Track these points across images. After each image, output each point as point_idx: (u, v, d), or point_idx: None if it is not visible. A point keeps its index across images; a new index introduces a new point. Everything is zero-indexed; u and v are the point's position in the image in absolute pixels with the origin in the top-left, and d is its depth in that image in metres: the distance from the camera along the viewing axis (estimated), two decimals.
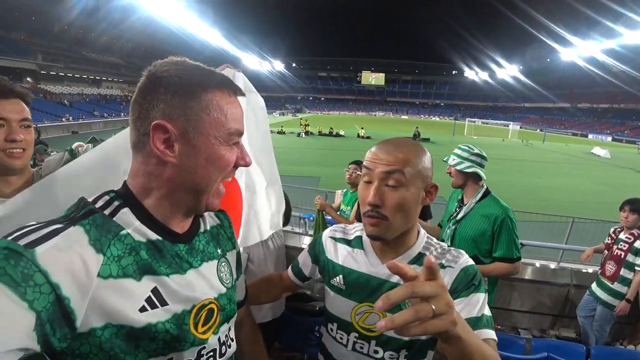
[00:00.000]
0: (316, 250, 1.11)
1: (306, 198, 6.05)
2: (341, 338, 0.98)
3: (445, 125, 53.11)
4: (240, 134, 0.71)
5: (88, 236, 0.57)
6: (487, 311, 0.88)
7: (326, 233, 1.11)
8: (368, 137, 26.63)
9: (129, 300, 0.59)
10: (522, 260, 3.81)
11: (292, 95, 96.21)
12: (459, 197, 2.27)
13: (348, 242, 1.04)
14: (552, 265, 3.73)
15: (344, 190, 3.59)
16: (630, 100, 56.34)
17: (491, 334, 0.86)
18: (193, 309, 0.68)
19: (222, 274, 0.78)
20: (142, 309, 0.60)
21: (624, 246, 2.85)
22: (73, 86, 45.44)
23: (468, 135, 36.57)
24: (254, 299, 1.11)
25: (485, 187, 2.15)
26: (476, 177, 2.13)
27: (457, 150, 2.19)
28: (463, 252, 0.95)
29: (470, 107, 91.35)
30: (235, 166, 0.71)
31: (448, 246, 0.99)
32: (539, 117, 72.82)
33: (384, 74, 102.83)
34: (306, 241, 3.75)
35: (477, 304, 0.86)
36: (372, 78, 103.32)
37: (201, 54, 67.05)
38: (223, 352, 0.76)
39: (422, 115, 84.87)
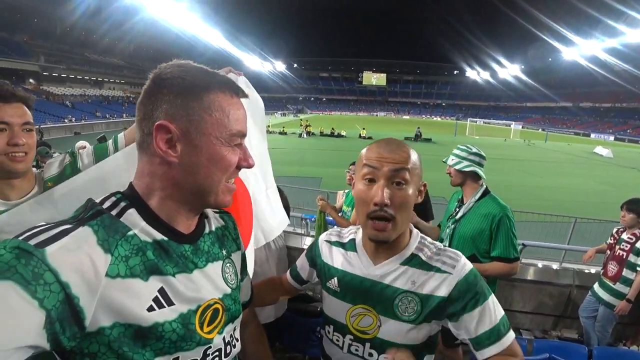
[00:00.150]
0: (313, 253, 1.12)
1: (308, 199, 6.06)
2: (337, 340, 0.99)
3: (447, 125, 53.01)
4: (243, 135, 0.71)
5: (96, 236, 0.58)
6: (499, 313, 0.89)
7: (322, 237, 1.12)
8: (370, 138, 26.62)
9: (137, 300, 0.60)
10: (524, 260, 3.84)
11: (293, 95, 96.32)
12: (459, 197, 2.28)
13: (342, 245, 1.05)
14: (554, 266, 3.72)
15: (346, 191, 3.60)
16: (633, 100, 56.12)
17: (510, 337, 0.87)
18: (199, 308, 0.69)
19: (226, 275, 0.79)
20: (150, 309, 0.61)
21: (626, 246, 2.84)
22: (75, 87, 45.64)
23: (470, 135, 36.51)
24: (259, 301, 1.12)
25: (485, 186, 2.16)
26: (475, 177, 2.15)
27: (455, 151, 2.22)
28: (460, 253, 0.93)
29: (472, 107, 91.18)
30: (239, 167, 0.72)
31: (445, 246, 0.99)
32: (541, 117, 72.61)
33: (385, 74, 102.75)
34: (308, 242, 3.75)
35: (489, 314, 0.87)
36: (374, 78, 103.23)
37: (203, 55, 67.27)
38: (228, 352, 0.77)
39: (423, 116, 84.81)
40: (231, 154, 0.69)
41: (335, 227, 1.17)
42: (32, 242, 0.52)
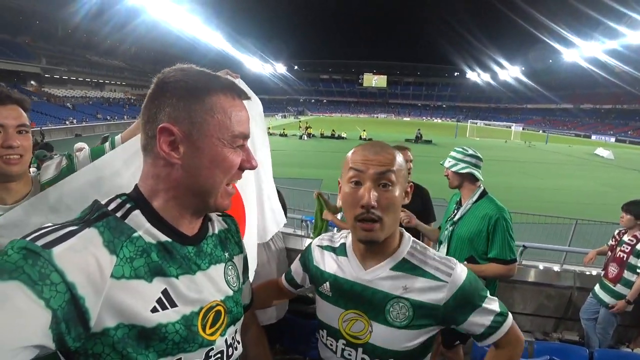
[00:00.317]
0: (305, 258, 1.12)
1: (308, 200, 6.05)
2: (331, 345, 0.99)
3: (448, 127, 53.05)
4: (245, 136, 0.72)
5: (102, 238, 0.59)
6: (494, 305, 0.92)
7: (314, 242, 1.12)
8: (370, 139, 26.56)
9: (141, 301, 0.61)
10: (525, 262, 3.84)
11: (294, 97, 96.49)
12: (458, 199, 2.29)
13: (333, 250, 1.05)
14: (555, 268, 3.71)
15: None
16: (634, 101, 56.08)
17: (507, 324, 0.92)
18: (201, 310, 0.69)
19: (229, 277, 0.79)
20: (154, 310, 0.62)
21: (627, 248, 2.84)
22: (77, 89, 45.77)
23: (470, 137, 36.52)
24: (260, 303, 1.12)
25: (482, 188, 2.17)
26: (472, 178, 2.15)
27: (452, 153, 2.23)
28: (454, 260, 0.93)
29: (473, 108, 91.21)
30: (242, 169, 0.72)
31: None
32: (541, 119, 72.62)
33: (385, 76, 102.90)
34: (307, 244, 3.76)
35: (487, 311, 0.91)
36: (374, 80, 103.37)
37: (205, 57, 67.30)
38: (230, 354, 0.77)
39: (424, 117, 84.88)
40: (234, 156, 0.69)
41: (335, 229, 1.17)
42: (39, 242, 0.53)
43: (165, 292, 0.64)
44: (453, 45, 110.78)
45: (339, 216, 3.21)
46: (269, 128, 31.30)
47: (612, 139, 45.40)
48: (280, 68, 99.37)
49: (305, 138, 27.16)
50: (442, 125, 59.29)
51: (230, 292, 0.78)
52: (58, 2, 40.22)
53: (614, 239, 3.06)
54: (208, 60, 64.00)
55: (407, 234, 0.98)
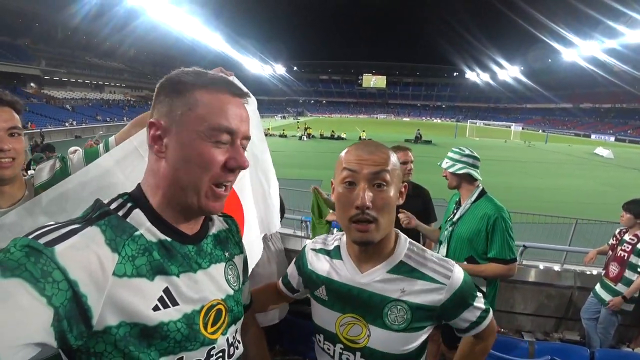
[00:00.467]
0: (300, 262, 1.10)
1: (308, 201, 6.04)
2: (328, 349, 0.97)
3: (447, 127, 53.07)
4: (229, 130, 0.68)
5: (104, 236, 0.60)
6: (481, 302, 0.95)
7: (308, 245, 1.10)
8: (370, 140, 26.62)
9: (142, 299, 0.61)
10: (525, 262, 3.83)
11: (293, 98, 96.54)
12: (457, 200, 2.29)
13: (328, 253, 1.03)
14: (556, 267, 3.71)
15: None
16: (633, 100, 56.15)
17: (487, 320, 0.96)
18: (202, 309, 0.69)
19: (229, 277, 0.80)
20: (155, 308, 0.62)
21: (628, 247, 2.84)
22: (76, 91, 45.81)
23: (470, 137, 36.53)
24: (259, 307, 1.11)
25: (481, 187, 2.17)
26: (470, 178, 2.15)
27: (449, 154, 2.23)
28: (451, 261, 0.93)
29: (472, 108, 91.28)
30: (230, 169, 0.69)
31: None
32: (541, 118, 72.68)
33: (385, 77, 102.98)
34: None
35: (476, 309, 0.94)
36: (374, 81, 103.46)
37: (204, 59, 67.44)
38: (231, 353, 0.77)
39: (423, 118, 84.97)
40: (213, 151, 0.66)
41: (335, 230, 1.17)
42: (42, 240, 0.53)
43: (166, 291, 0.64)
44: (452, 45, 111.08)
45: None
46: (269, 129, 31.32)
47: (612, 138, 45.44)
48: (280, 69, 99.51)
49: (305, 139, 27.17)
50: (442, 126, 59.32)
51: (231, 291, 0.78)
52: (58, 5, 40.30)
53: (615, 238, 3.05)
54: (207, 61, 64.05)
55: (402, 235, 0.97)
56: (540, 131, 52.52)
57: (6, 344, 0.46)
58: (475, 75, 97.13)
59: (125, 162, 1.17)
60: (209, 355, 0.70)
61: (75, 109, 37.79)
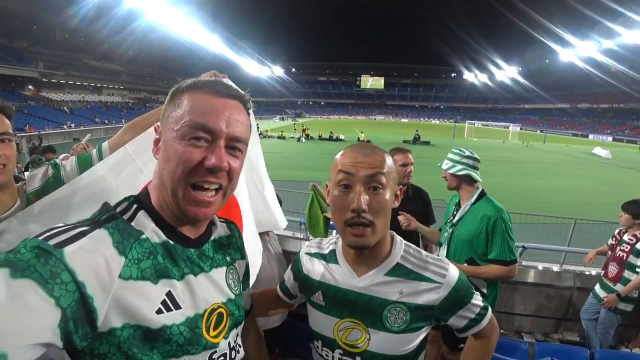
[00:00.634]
0: (296, 267, 1.09)
1: (306, 202, 6.03)
2: (327, 355, 0.96)
3: (445, 128, 53.16)
4: (206, 128, 0.65)
5: (112, 238, 0.61)
6: (478, 300, 0.95)
7: (303, 250, 1.09)
8: (368, 141, 26.63)
9: (146, 302, 0.62)
10: (525, 262, 3.83)
11: (292, 100, 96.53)
12: (457, 201, 2.28)
13: (323, 257, 1.01)
14: (555, 268, 3.70)
15: None
16: (630, 100, 56.32)
17: (487, 318, 0.96)
18: (204, 312, 0.70)
19: (230, 281, 0.80)
20: (159, 311, 0.63)
21: (626, 247, 2.84)
22: (74, 93, 45.70)
23: (468, 137, 36.59)
24: (259, 311, 1.11)
25: (481, 189, 2.16)
26: (470, 180, 2.15)
27: (449, 155, 2.23)
28: (446, 260, 0.93)
29: (470, 109, 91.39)
30: (208, 168, 0.66)
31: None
32: (539, 119, 72.84)
33: (383, 78, 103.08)
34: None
35: (472, 308, 0.94)
36: (372, 82, 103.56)
37: (202, 61, 67.39)
38: (233, 357, 0.77)
39: (422, 118, 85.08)
40: (185, 148, 0.65)
41: (334, 232, 1.16)
42: (52, 242, 0.54)
43: (169, 294, 0.65)
44: (450, 47, 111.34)
45: None
46: (267, 131, 31.32)
47: (610, 138, 45.58)
48: (278, 71, 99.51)
49: (303, 140, 27.17)
50: (440, 126, 59.41)
51: (232, 296, 0.79)
52: (55, 7, 40.26)
53: (614, 239, 3.06)
54: (205, 63, 64.15)
55: (398, 237, 0.97)
56: (538, 131, 52.65)
57: (15, 343, 0.46)
58: (473, 76, 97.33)
59: (120, 169, 1.17)
60: (210, 359, 0.71)
61: (73, 111, 37.70)
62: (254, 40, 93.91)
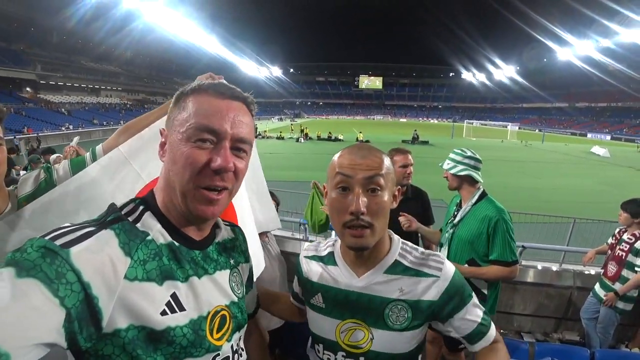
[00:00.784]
0: (298, 271, 1.09)
1: (306, 203, 6.03)
2: (329, 359, 0.95)
3: (444, 127, 53.22)
4: (211, 130, 0.66)
5: (118, 239, 0.61)
6: (479, 306, 0.94)
7: (301, 253, 1.10)
8: (367, 141, 26.68)
9: (151, 304, 0.62)
10: (524, 262, 3.83)
11: (290, 100, 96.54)
12: (458, 201, 2.27)
13: (321, 259, 1.01)
14: (555, 268, 3.71)
15: None
16: (628, 99, 56.53)
17: (493, 328, 0.94)
18: (208, 315, 0.70)
19: (233, 284, 0.80)
20: (163, 313, 0.63)
21: (626, 247, 2.85)
22: (72, 95, 45.69)
23: (467, 137, 36.63)
24: (265, 306, 1.12)
25: (482, 189, 2.16)
26: (471, 180, 2.14)
27: (451, 155, 2.22)
28: (441, 255, 0.93)
29: (469, 108, 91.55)
30: (214, 170, 0.66)
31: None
32: (537, 118, 72.98)
33: (381, 78, 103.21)
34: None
35: (474, 311, 0.92)
36: (370, 82, 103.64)
37: (200, 62, 67.26)
38: None
39: (420, 118, 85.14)
40: (192, 150, 0.65)
41: (334, 234, 1.15)
42: (58, 242, 0.54)
43: (174, 296, 0.65)
44: (449, 46, 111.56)
45: None
46: (265, 131, 31.30)
47: (608, 137, 45.67)
48: (276, 71, 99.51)
49: (302, 141, 27.17)
50: (439, 126, 59.48)
51: (235, 298, 0.79)
52: (53, 9, 40.18)
53: (614, 238, 3.06)
54: (203, 64, 64.07)
55: (395, 236, 0.96)
56: (537, 130, 52.81)
57: (19, 343, 0.46)
58: (471, 76, 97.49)
59: (114, 171, 1.15)
60: None
61: (72, 112, 37.67)
62: (252, 41, 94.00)
